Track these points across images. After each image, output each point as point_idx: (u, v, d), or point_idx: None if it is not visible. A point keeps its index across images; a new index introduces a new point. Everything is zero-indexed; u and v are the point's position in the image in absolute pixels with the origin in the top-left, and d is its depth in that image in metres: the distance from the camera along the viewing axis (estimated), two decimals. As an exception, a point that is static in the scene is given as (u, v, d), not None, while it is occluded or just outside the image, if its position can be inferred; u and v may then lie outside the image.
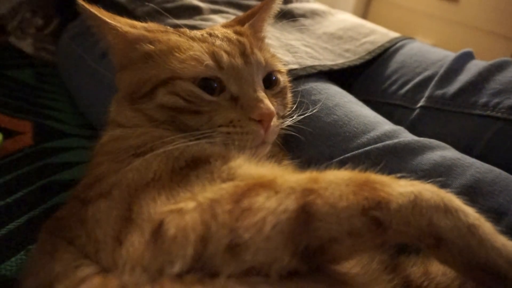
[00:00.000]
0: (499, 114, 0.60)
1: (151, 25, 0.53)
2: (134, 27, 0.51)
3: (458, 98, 0.65)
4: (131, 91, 0.50)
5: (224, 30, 0.53)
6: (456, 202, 0.32)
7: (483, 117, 0.62)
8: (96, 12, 0.48)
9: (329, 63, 0.71)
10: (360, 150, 0.54)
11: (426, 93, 0.68)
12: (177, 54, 0.47)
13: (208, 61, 0.46)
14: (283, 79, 0.54)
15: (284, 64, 0.62)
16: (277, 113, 0.50)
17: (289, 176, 0.35)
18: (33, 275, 0.38)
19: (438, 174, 0.49)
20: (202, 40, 0.49)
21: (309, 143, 0.58)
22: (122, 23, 0.50)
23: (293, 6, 0.89)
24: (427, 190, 0.32)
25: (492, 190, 0.47)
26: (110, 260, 0.33)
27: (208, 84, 0.46)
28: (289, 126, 0.53)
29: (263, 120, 0.45)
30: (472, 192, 0.47)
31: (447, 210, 0.31)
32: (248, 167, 0.39)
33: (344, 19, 0.94)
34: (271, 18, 0.61)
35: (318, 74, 0.68)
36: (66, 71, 0.94)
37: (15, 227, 0.53)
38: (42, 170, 0.66)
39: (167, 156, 0.40)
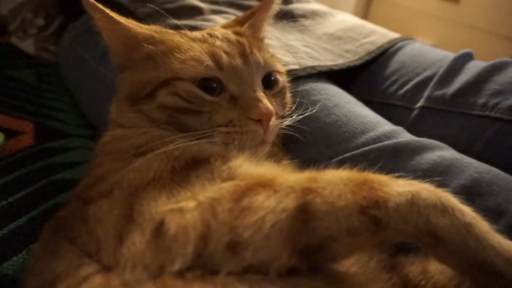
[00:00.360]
0: (498, 115, 0.60)
1: (154, 27, 0.53)
2: (141, 28, 0.51)
3: (458, 98, 0.65)
4: (132, 92, 0.50)
5: (224, 30, 0.54)
6: (453, 201, 0.33)
7: (482, 118, 0.62)
8: (107, 11, 0.48)
9: (329, 63, 0.71)
10: (359, 150, 0.54)
11: (426, 94, 0.68)
12: (177, 55, 0.47)
13: (208, 61, 0.46)
14: (282, 79, 0.55)
15: (284, 65, 0.62)
16: (276, 113, 0.50)
17: (288, 176, 0.36)
18: (35, 274, 0.38)
19: (437, 174, 0.50)
20: (202, 40, 0.49)
21: (309, 143, 0.58)
22: (131, 24, 0.50)
23: (294, 6, 0.89)
24: (425, 189, 0.33)
25: (490, 190, 0.47)
26: (112, 259, 0.33)
27: (208, 84, 0.47)
28: (288, 126, 0.53)
29: (262, 119, 0.45)
30: (471, 192, 0.48)
31: (445, 209, 0.31)
32: (248, 167, 0.39)
33: (345, 19, 0.94)
34: (270, 18, 0.62)
35: (318, 74, 0.68)
36: (67, 71, 0.94)
37: (17, 227, 0.53)
38: (44, 170, 0.66)
39: (167, 156, 0.41)
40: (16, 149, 0.70)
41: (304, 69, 0.66)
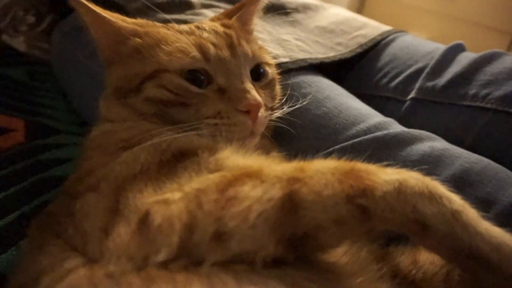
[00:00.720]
0: (488, 105, 0.60)
1: (140, 20, 0.53)
2: (126, 21, 0.51)
3: (449, 89, 0.65)
4: (120, 86, 0.50)
5: (212, 23, 0.53)
6: (441, 189, 0.33)
7: (473, 108, 0.62)
8: (90, 6, 0.48)
9: (320, 56, 0.71)
10: (349, 142, 0.54)
11: (417, 85, 0.68)
12: (163, 47, 0.47)
13: (195, 53, 0.46)
14: (271, 71, 0.54)
15: (275, 58, 0.62)
16: (265, 105, 0.50)
17: (275, 166, 0.35)
18: (22, 270, 0.38)
19: (427, 164, 0.50)
20: (189, 33, 0.49)
21: (299, 135, 0.58)
22: (115, 17, 0.50)
23: (286, 0, 0.89)
24: (412, 177, 0.33)
25: (480, 179, 0.47)
26: (97, 252, 0.33)
27: (195, 76, 0.46)
28: (279, 118, 0.53)
29: (251, 110, 0.45)
30: (461, 182, 0.48)
31: (432, 196, 0.31)
32: (235, 158, 0.39)
33: (337, 13, 0.94)
34: (259, 12, 0.61)
35: (309, 67, 0.68)
36: (59, 68, 0.94)
37: (6, 223, 0.53)
38: (34, 166, 0.66)
39: (154, 148, 0.40)
40: (7, 146, 0.69)
41: (295, 61, 0.66)
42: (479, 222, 0.31)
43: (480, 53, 0.67)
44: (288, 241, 0.31)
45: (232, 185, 0.33)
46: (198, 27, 0.50)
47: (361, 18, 0.92)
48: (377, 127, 0.56)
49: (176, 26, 0.51)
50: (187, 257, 0.30)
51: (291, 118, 0.54)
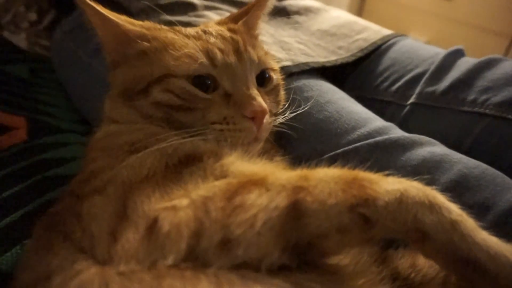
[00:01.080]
0: (487, 111, 0.61)
1: (148, 23, 0.53)
2: (133, 24, 0.51)
3: (448, 94, 0.66)
4: (126, 88, 0.50)
5: (218, 27, 0.54)
6: (440, 199, 0.34)
7: (472, 114, 0.63)
8: (97, 7, 0.48)
9: (321, 59, 0.72)
10: (350, 146, 0.55)
11: (417, 90, 0.69)
12: (171, 52, 0.47)
13: (202, 58, 0.46)
14: (276, 76, 0.55)
15: (278, 61, 0.62)
16: (270, 111, 0.50)
17: (280, 174, 0.36)
18: (29, 269, 0.38)
19: (427, 169, 0.51)
20: (196, 37, 0.49)
21: (301, 140, 0.59)
22: (123, 20, 0.50)
23: (287, 3, 0.89)
24: (413, 187, 0.34)
25: (478, 184, 0.48)
26: (106, 255, 0.33)
27: (202, 81, 0.47)
28: (281, 123, 0.54)
29: (256, 117, 0.46)
30: (459, 187, 0.49)
31: (432, 206, 0.32)
32: (240, 164, 0.40)
33: (338, 16, 0.94)
34: (265, 16, 0.62)
35: (311, 71, 0.68)
36: (61, 66, 0.94)
37: (10, 222, 0.53)
38: (37, 165, 0.66)
39: (161, 153, 0.41)
40: (9, 144, 0.69)
41: (297, 65, 0.67)
42: (477, 232, 0.32)
43: (480, 59, 0.68)
44: (292, 248, 0.32)
45: (238, 193, 0.33)
46: (205, 32, 0.51)
47: (362, 22, 0.92)
48: (378, 131, 0.57)
49: (183, 30, 0.52)
50: (194, 261, 0.31)
51: (293, 123, 0.55)
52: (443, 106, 0.66)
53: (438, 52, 0.74)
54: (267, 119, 0.48)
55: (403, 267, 0.44)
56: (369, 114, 0.62)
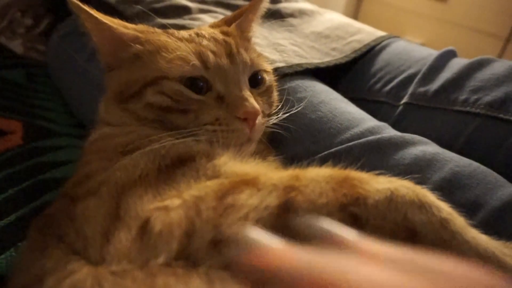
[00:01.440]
0: (478, 110, 0.62)
1: (141, 26, 0.54)
2: (127, 28, 0.51)
3: (440, 95, 0.67)
4: (120, 91, 0.50)
5: (211, 30, 0.54)
6: (430, 197, 0.34)
7: (463, 113, 0.63)
8: (91, 11, 0.48)
9: (315, 61, 0.72)
10: (343, 146, 0.55)
11: (410, 90, 0.70)
12: (164, 54, 0.47)
13: (195, 61, 0.47)
14: (269, 78, 0.56)
15: (271, 63, 0.63)
16: (263, 112, 0.51)
17: (272, 174, 0.37)
18: (23, 271, 0.39)
19: (419, 168, 0.51)
20: (189, 40, 0.50)
21: (294, 140, 0.59)
22: (116, 24, 0.50)
23: (282, 5, 0.90)
24: (403, 186, 0.34)
25: (469, 183, 0.49)
26: (98, 256, 0.34)
27: (195, 83, 0.47)
28: (274, 124, 0.54)
29: (248, 118, 0.46)
30: (451, 185, 0.49)
31: (422, 205, 0.33)
32: (232, 165, 0.40)
33: (332, 18, 0.95)
34: (258, 19, 0.62)
35: (304, 72, 0.69)
36: (57, 71, 0.94)
37: (5, 225, 0.53)
38: (32, 169, 0.66)
39: (154, 154, 0.41)
40: (5, 148, 0.70)
41: (291, 66, 0.67)
42: (466, 230, 0.32)
43: (471, 60, 0.69)
44: None
45: (229, 193, 0.34)
46: (197, 34, 0.51)
47: (356, 24, 0.93)
48: (370, 131, 0.57)
49: (176, 33, 0.52)
50: (186, 260, 0.31)
51: (287, 124, 0.55)
52: (435, 106, 0.66)
53: (431, 53, 0.75)
54: (259, 120, 0.48)
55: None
56: (362, 115, 0.62)
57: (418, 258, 0.18)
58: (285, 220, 0.32)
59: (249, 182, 0.35)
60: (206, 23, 0.71)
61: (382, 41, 0.84)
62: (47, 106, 0.90)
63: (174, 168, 0.39)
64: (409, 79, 0.71)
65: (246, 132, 0.46)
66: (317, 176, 0.35)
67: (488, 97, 0.62)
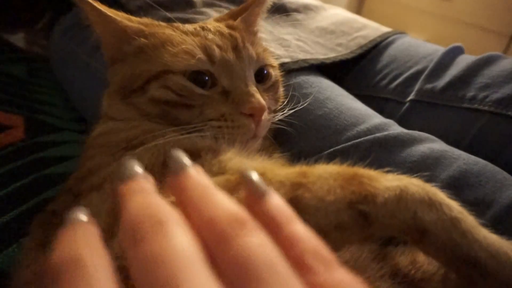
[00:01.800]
0: (486, 108, 0.61)
1: (146, 20, 0.53)
2: (131, 21, 0.51)
3: (447, 92, 0.66)
4: (124, 85, 0.50)
5: (217, 24, 0.54)
6: (441, 196, 0.33)
7: (471, 111, 0.62)
8: (95, 4, 0.48)
9: (320, 57, 0.72)
10: (350, 143, 0.55)
11: (416, 87, 0.69)
12: (169, 48, 0.47)
13: (200, 54, 0.46)
14: (275, 73, 0.55)
15: (276, 58, 0.62)
16: (269, 108, 0.50)
17: (278, 170, 0.36)
18: (25, 266, 0.38)
19: (426, 166, 0.50)
20: (194, 34, 0.49)
21: (300, 136, 0.58)
22: (120, 17, 0.50)
23: (287, 0, 0.89)
24: (413, 184, 0.33)
25: (478, 181, 0.48)
26: None
27: (200, 77, 0.46)
28: (280, 120, 0.53)
29: (254, 114, 0.45)
30: (459, 183, 0.48)
31: (432, 203, 0.32)
32: (238, 161, 0.39)
33: (337, 13, 0.94)
34: (264, 13, 0.61)
35: (310, 68, 0.68)
36: (59, 65, 0.93)
37: (7, 221, 0.53)
38: (34, 164, 0.66)
39: (158, 149, 0.41)
40: (6, 143, 0.69)
41: (296, 62, 0.66)
42: (477, 230, 0.32)
43: (479, 56, 0.68)
44: None
45: (236, 190, 0.33)
46: (203, 28, 0.51)
47: (361, 19, 0.92)
48: (377, 128, 0.56)
49: (181, 26, 0.51)
50: None
51: (292, 120, 0.55)
52: (442, 103, 0.66)
53: (437, 49, 0.74)
54: (265, 116, 0.47)
55: (403, 264, 0.43)
56: (368, 111, 0.62)
57: None
58: None
59: None
60: (211, 17, 0.71)
61: (388, 37, 0.83)
62: (49, 101, 0.90)
63: None
64: (416, 75, 0.71)
65: (251, 128, 0.46)
66: (324, 173, 0.34)
67: (496, 94, 0.61)
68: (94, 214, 0.36)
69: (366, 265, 0.40)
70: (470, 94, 0.64)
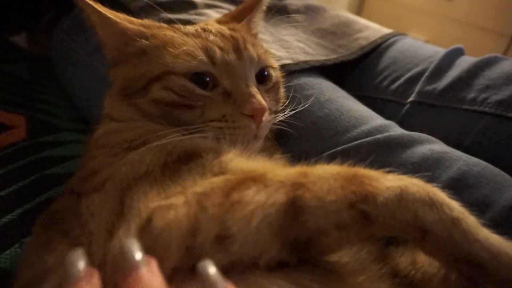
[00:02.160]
0: (486, 109, 0.61)
1: (147, 21, 0.53)
2: (132, 23, 0.51)
3: (448, 93, 0.66)
4: (126, 86, 0.50)
5: (218, 25, 0.54)
6: (441, 196, 0.33)
7: (471, 112, 0.63)
8: (96, 6, 0.48)
9: (322, 58, 0.72)
10: (350, 144, 0.55)
11: (417, 88, 0.69)
12: (171, 49, 0.47)
13: (202, 56, 0.46)
14: (276, 74, 0.55)
15: (278, 59, 0.62)
16: (270, 108, 0.50)
17: (279, 171, 0.36)
18: (28, 267, 0.38)
19: (427, 167, 0.51)
20: (196, 35, 0.49)
21: (301, 137, 0.59)
22: (121, 19, 0.50)
23: (288, 2, 0.89)
24: (414, 184, 0.33)
25: (478, 182, 0.48)
26: (102, 252, 0.33)
27: (201, 79, 0.47)
28: (281, 121, 0.54)
29: (255, 115, 0.46)
30: (459, 185, 0.48)
31: (432, 203, 0.32)
32: (239, 161, 0.40)
33: (338, 15, 0.94)
34: (264, 14, 0.62)
35: (311, 69, 0.68)
36: (60, 65, 0.94)
37: (9, 220, 0.53)
38: (36, 164, 0.66)
39: (160, 150, 0.41)
40: (8, 143, 0.69)
41: (297, 63, 0.67)
42: (478, 230, 0.32)
43: (479, 58, 0.68)
44: (290, 246, 0.32)
45: (236, 189, 0.33)
46: (204, 30, 0.51)
47: (362, 21, 0.92)
48: (378, 129, 0.57)
49: (182, 28, 0.52)
50: (190, 258, 0.31)
51: (293, 121, 0.55)
52: (442, 104, 0.66)
53: (438, 51, 0.74)
54: (266, 117, 0.48)
55: (403, 264, 0.44)
56: (369, 112, 0.62)
57: None
58: (292, 217, 0.31)
59: (256, 179, 0.34)
60: (212, 18, 0.71)
61: (389, 38, 0.83)
62: (50, 101, 0.90)
63: (180, 164, 0.39)
64: (416, 77, 0.71)
65: (252, 129, 0.46)
66: (325, 173, 0.34)
67: (497, 96, 0.61)
68: (96, 214, 0.36)
69: (366, 265, 0.40)
70: (471, 95, 0.64)
